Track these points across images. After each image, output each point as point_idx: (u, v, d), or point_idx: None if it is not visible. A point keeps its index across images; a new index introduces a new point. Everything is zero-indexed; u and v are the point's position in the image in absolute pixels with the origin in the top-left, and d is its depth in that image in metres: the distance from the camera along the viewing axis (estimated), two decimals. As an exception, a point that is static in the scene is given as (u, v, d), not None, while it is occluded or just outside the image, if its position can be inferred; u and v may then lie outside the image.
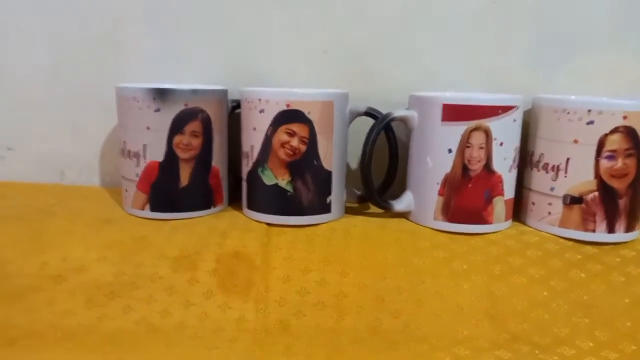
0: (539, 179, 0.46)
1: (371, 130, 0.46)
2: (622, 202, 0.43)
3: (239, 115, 0.48)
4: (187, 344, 0.39)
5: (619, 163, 0.42)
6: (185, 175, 0.46)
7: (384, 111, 0.47)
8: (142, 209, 0.47)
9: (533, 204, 0.46)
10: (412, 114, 0.46)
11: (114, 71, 0.55)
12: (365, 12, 0.52)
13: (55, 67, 0.55)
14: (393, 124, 0.49)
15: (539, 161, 0.45)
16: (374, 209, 0.51)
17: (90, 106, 0.56)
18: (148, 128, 0.45)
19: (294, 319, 0.40)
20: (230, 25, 0.54)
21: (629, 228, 0.43)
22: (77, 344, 0.40)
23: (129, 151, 0.46)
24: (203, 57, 0.54)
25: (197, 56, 0.54)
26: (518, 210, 0.48)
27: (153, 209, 0.46)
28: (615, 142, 0.42)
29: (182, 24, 0.54)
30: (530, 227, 0.46)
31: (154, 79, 0.54)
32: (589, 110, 0.42)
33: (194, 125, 0.46)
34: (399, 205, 0.48)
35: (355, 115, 0.48)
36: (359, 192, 0.50)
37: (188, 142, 0.46)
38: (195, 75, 0.55)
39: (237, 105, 0.49)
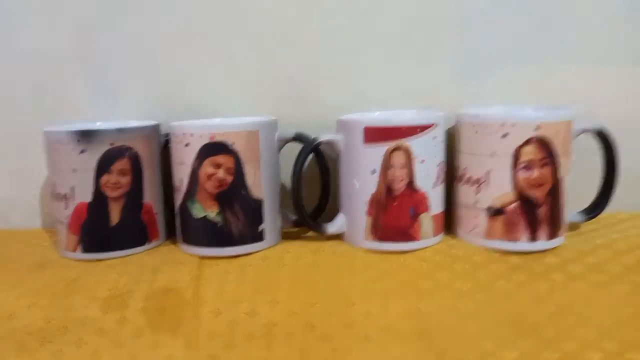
0: (464, 193, 0.46)
1: (298, 156, 0.47)
2: (541, 211, 0.44)
3: (170, 149, 0.48)
4: (116, 386, 0.39)
5: (535, 173, 0.43)
6: (115, 213, 0.46)
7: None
8: (74, 250, 0.47)
9: (461, 217, 0.47)
10: (338, 138, 0.47)
11: (51, 113, 0.55)
12: (292, 39, 0.53)
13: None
14: (326, 148, 0.50)
15: (463, 175, 0.46)
16: (311, 233, 0.52)
17: (29, 149, 0.56)
18: (74, 170, 0.45)
19: (224, 352, 0.40)
20: (162, 61, 0.54)
21: (552, 235, 0.44)
22: (8, 393, 0.39)
23: (58, 193, 0.47)
24: (137, 93, 0.55)
25: (132, 93, 0.55)
26: (450, 224, 0.49)
27: (85, 250, 0.47)
28: (530, 152, 0.43)
29: (115, 62, 0.54)
30: (461, 240, 0.47)
31: (90, 118, 0.55)
32: (503, 124, 0.43)
33: (122, 164, 0.46)
34: (332, 227, 0.48)
35: (284, 141, 0.49)
36: (294, 217, 0.51)
37: (116, 181, 0.46)
38: (129, 112, 0.55)
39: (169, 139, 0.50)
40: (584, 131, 0.46)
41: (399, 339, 0.40)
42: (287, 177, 0.50)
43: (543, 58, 0.53)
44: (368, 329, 0.41)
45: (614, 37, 0.52)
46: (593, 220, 0.49)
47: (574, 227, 0.49)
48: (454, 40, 0.53)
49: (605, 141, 0.46)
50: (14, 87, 0.55)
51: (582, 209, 0.49)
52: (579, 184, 0.51)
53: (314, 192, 0.52)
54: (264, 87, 0.54)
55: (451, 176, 0.49)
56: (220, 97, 0.55)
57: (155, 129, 0.50)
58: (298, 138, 0.49)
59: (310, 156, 0.50)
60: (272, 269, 0.44)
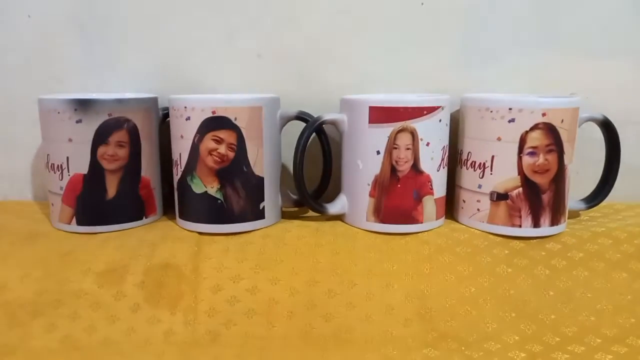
0: (467, 177, 0.46)
1: (302, 134, 0.46)
2: (545, 197, 0.44)
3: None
4: (112, 361, 0.38)
5: (541, 159, 0.43)
6: (112, 186, 0.45)
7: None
8: (69, 223, 0.45)
9: (464, 201, 0.47)
10: (342, 117, 0.46)
11: (44, 81, 0.53)
12: (297, 16, 0.52)
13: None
14: (329, 128, 0.49)
15: (467, 159, 0.46)
16: (311, 212, 0.51)
17: (20, 118, 0.54)
18: (70, 140, 0.44)
19: (224, 329, 0.40)
20: (162, 32, 0.53)
21: (554, 222, 0.44)
22: (-2, 366, 0.38)
23: (53, 164, 0.45)
24: (135, 65, 0.53)
25: (129, 64, 0.53)
26: (451, 208, 0.49)
27: (80, 223, 0.45)
28: (536, 138, 0.43)
29: (113, 31, 0.52)
30: (462, 224, 0.47)
31: (85, 88, 0.53)
32: (510, 109, 0.43)
33: (119, 135, 0.45)
34: (333, 208, 0.48)
35: (286, 119, 0.48)
36: (295, 197, 0.50)
37: (113, 153, 0.45)
38: (127, 84, 0.53)
39: (168, 113, 0.48)
40: (589, 119, 0.46)
41: (400, 320, 0.40)
42: (287, 157, 0.50)
43: (546, 47, 0.53)
44: (370, 310, 0.40)
45: (618, 28, 0.52)
46: (592, 209, 0.49)
47: (573, 215, 0.50)
48: (458, 26, 0.52)
49: (609, 131, 0.47)
50: (6, 53, 0.53)
51: (581, 198, 0.49)
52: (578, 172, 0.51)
53: (314, 172, 0.52)
54: (266, 65, 0.53)
55: (453, 160, 0.48)
56: (220, 73, 0.54)
57: (154, 101, 0.48)
58: (301, 117, 0.48)
59: (312, 136, 0.49)
60: (272, 248, 0.43)
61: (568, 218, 0.46)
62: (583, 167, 0.52)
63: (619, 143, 0.47)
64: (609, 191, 0.48)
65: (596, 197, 0.48)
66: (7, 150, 0.55)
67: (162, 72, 0.53)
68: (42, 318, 0.40)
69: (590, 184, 0.50)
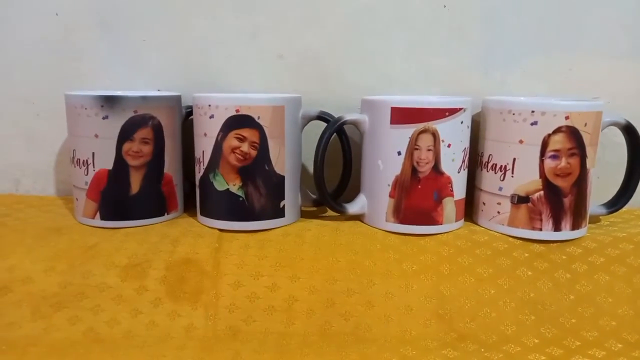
0: (488, 179, 0.46)
1: (323, 134, 0.46)
2: (567, 201, 0.43)
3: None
4: (134, 354, 0.38)
5: (563, 162, 0.43)
6: (135, 182, 0.46)
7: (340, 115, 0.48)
8: (93, 217, 0.46)
9: (483, 203, 0.47)
10: (363, 118, 0.47)
11: (68, 78, 0.54)
12: (319, 17, 0.53)
13: (7, 74, 0.54)
14: (348, 128, 0.50)
15: (487, 162, 0.46)
16: (330, 212, 0.51)
17: (44, 114, 0.55)
18: (96, 136, 0.45)
19: (244, 325, 0.40)
20: (186, 31, 0.53)
21: (575, 226, 0.44)
22: (22, 356, 0.39)
23: (78, 159, 0.46)
24: (159, 63, 0.54)
25: (153, 63, 0.54)
26: (470, 210, 0.49)
27: (103, 218, 0.46)
28: (559, 142, 0.43)
29: (137, 30, 0.53)
30: (482, 226, 0.47)
31: (109, 85, 0.54)
32: (533, 111, 0.43)
33: (144, 132, 0.45)
34: (353, 208, 0.48)
35: (308, 119, 0.49)
36: (314, 196, 0.50)
37: (138, 149, 0.45)
38: (150, 82, 0.54)
39: (191, 111, 0.49)
40: (611, 124, 0.46)
41: (419, 320, 0.40)
42: (307, 156, 0.50)
43: (567, 50, 0.52)
44: (388, 310, 0.41)
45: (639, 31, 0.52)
46: (612, 214, 0.49)
47: (594, 219, 0.49)
48: (480, 29, 0.52)
49: (632, 136, 0.46)
50: (33, 49, 0.54)
51: (602, 203, 0.49)
52: (599, 177, 0.51)
53: (334, 172, 0.52)
54: (287, 64, 0.54)
55: (473, 163, 0.48)
56: (241, 73, 0.54)
57: (177, 99, 0.49)
58: (322, 116, 0.49)
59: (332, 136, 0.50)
60: (292, 246, 0.44)
61: (588, 223, 0.46)
62: (604, 172, 0.52)
63: (641, 148, 0.47)
64: (631, 196, 0.48)
65: (617, 202, 0.48)
66: (31, 145, 0.56)
67: (184, 70, 0.54)
68: (66, 310, 0.41)
69: (610, 189, 0.49)
